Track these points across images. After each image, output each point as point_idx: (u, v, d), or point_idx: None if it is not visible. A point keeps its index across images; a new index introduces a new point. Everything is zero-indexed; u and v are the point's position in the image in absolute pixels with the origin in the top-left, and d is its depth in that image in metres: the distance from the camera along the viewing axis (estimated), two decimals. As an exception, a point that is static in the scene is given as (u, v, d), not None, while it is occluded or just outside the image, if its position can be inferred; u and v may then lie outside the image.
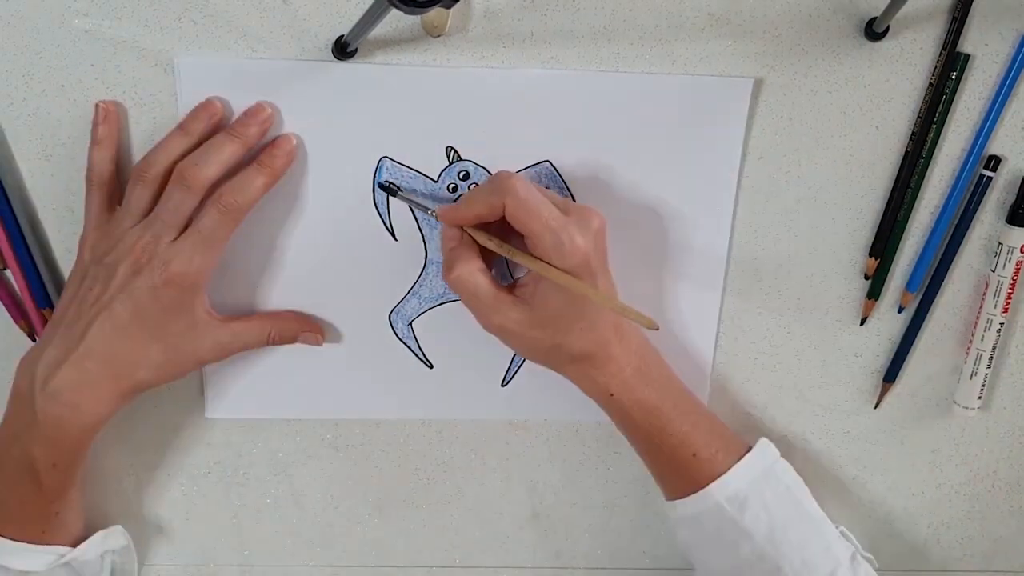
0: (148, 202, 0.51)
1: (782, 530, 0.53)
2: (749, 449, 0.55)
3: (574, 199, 0.56)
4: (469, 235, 0.52)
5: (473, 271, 0.51)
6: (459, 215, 0.52)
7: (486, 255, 0.53)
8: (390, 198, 0.55)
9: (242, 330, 0.54)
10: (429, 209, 0.54)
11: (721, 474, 0.54)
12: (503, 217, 0.50)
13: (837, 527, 0.56)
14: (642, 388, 0.54)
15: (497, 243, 0.51)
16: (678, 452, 0.54)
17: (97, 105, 0.52)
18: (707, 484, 0.53)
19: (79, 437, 0.51)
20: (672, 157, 0.55)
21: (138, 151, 0.53)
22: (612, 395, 0.53)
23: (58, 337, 0.50)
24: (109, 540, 0.58)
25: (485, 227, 0.52)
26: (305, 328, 0.56)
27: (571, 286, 0.49)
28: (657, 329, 0.49)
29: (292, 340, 0.56)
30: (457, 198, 0.55)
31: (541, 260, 0.49)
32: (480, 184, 0.54)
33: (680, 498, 0.55)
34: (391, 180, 0.54)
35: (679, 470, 0.55)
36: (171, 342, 0.51)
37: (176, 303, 0.50)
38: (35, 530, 0.53)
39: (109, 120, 0.52)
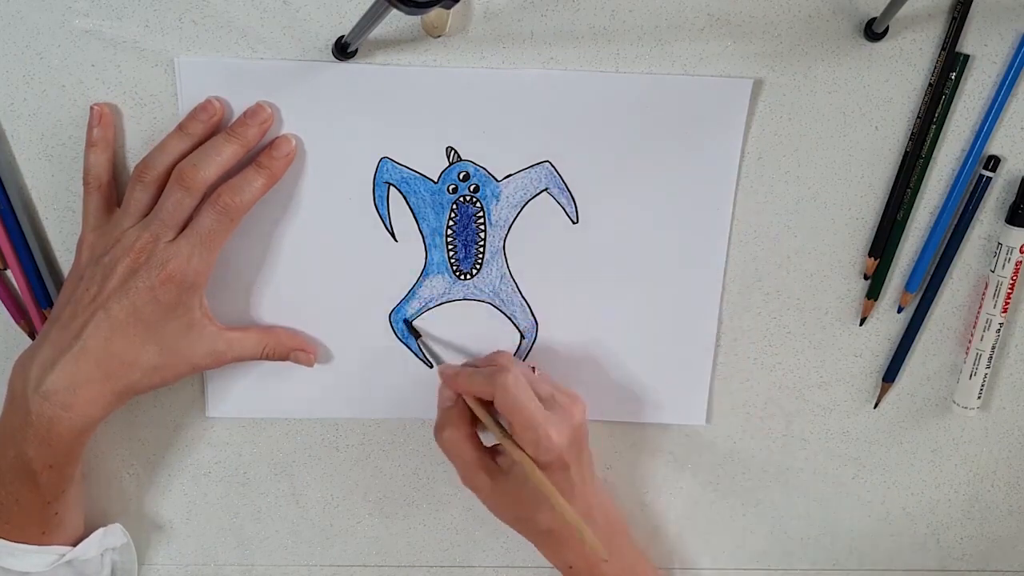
0: (147, 203, 0.51)
1: None
2: None
3: (574, 200, 0.56)
4: (463, 402, 0.55)
5: (461, 437, 0.55)
6: (457, 384, 0.55)
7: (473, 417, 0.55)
8: (390, 198, 0.55)
9: (238, 341, 0.54)
10: (430, 364, 0.58)
11: None
12: None
13: None
14: (601, 565, 0.56)
15: (490, 423, 0.54)
16: None
17: (92, 107, 0.52)
18: None
19: (73, 438, 0.51)
20: (672, 157, 0.55)
21: (138, 151, 0.53)
22: (571, 567, 0.56)
23: (53, 337, 0.50)
24: (108, 538, 0.58)
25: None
26: (299, 347, 0.56)
27: (542, 487, 0.52)
28: (606, 561, 0.53)
29: (285, 357, 0.56)
30: (457, 198, 0.56)
31: (523, 452, 0.52)
32: (481, 362, 0.57)
33: None
34: (415, 324, 0.58)
35: None
36: (167, 344, 0.51)
37: (173, 303, 0.50)
38: (35, 531, 0.53)
39: (104, 122, 0.52)
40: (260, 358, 0.55)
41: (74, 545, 0.55)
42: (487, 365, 0.56)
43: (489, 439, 0.55)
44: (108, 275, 0.50)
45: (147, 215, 0.50)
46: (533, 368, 0.57)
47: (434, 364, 0.58)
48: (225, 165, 0.50)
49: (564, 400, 0.54)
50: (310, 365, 0.57)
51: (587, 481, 0.55)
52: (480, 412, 0.54)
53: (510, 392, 0.52)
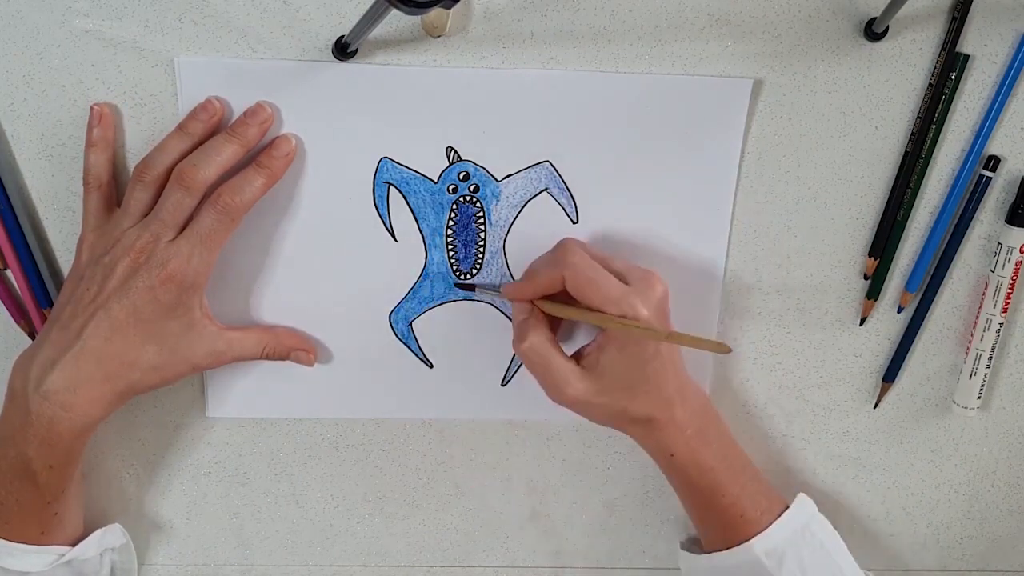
0: (147, 203, 0.51)
1: None
2: (787, 507, 0.57)
3: (574, 200, 0.56)
4: (538, 307, 0.53)
5: (544, 342, 0.52)
6: (524, 290, 0.53)
7: (553, 326, 0.54)
8: (390, 198, 0.55)
9: (238, 340, 0.54)
10: (497, 291, 0.56)
11: (761, 530, 0.55)
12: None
13: None
14: (701, 449, 0.55)
15: (567, 309, 0.52)
16: (728, 512, 0.56)
17: (92, 107, 0.52)
18: (748, 539, 0.55)
19: (72, 438, 0.51)
20: (672, 157, 0.55)
21: (138, 151, 0.53)
22: (672, 455, 0.55)
23: (53, 337, 0.50)
24: (108, 538, 0.58)
25: (552, 296, 0.53)
26: (299, 346, 0.56)
27: (648, 335, 0.49)
28: (729, 351, 0.49)
29: (285, 357, 0.56)
30: (457, 199, 0.56)
31: (615, 317, 0.50)
32: (542, 255, 0.55)
33: (719, 550, 0.56)
34: (471, 280, 0.57)
35: (725, 528, 0.56)
36: (167, 343, 0.51)
37: (173, 303, 0.50)
38: (34, 531, 0.53)
39: (104, 122, 0.52)
40: (260, 358, 0.55)
41: (73, 545, 0.55)
42: (546, 257, 0.54)
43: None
44: (108, 275, 0.50)
45: (147, 215, 0.50)
46: (602, 250, 0.55)
47: (498, 290, 0.56)
48: (225, 165, 0.50)
49: (640, 274, 0.52)
50: (310, 365, 0.57)
51: (677, 363, 0.54)
52: (556, 308, 0.52)
53: (580, 270, 0.50)
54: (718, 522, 0.56)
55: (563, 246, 0.53)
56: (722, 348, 0.48)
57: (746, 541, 0.55)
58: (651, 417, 0.54)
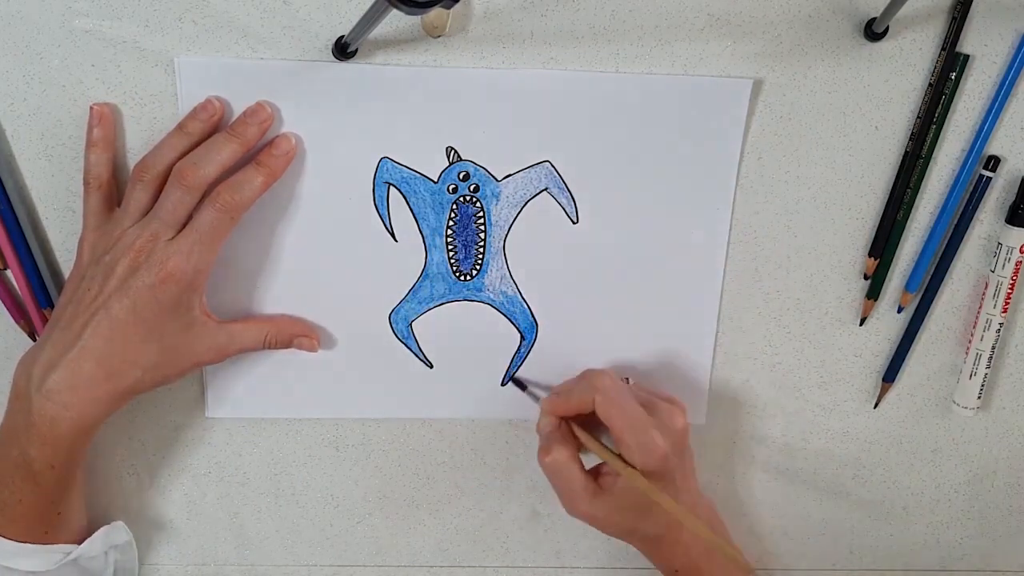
0: (147, 202, 0.51)
1: None
2: None
3: (574, 200, 0.56)
4: (567, 426, 0.55)
5: (568, 460, 0.54)
6: (557, 406, 0.55)
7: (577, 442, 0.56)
8: (390, 198, 0.55)
9: (239, 332, 0.54)
10: (537, 399, 0.58)
11: None
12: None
13: None
14: (706, 566, 0.56)
15: (593, 442, 0.54)
16: None
17: (92, 107, 0.52)
18: None
19: (74, 438, 0.51)
20: (671, 157, 0.55)
21: (138, 151, 0.53)
22: (677, 571, 0.57)
23: (54, 337, 0.50)
24: (112, 535, 0.58)
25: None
26: (301, 333, 0.56)
27: (654, 497, 0.51)
28: (752, 573, 0.54)
29: (288, 344, 0.56)
30: (457, 199, 0.56)
31: (628, 466, 0.52)
32: (573, 379, 0.57)
33: None
34: (521, 378, 0.60)
35: None
36: (168, 342, 0.51)
37: (174, 302, 0.50)
38: (39, 531, 0.53)
39: (104, 122, 0.52)
40: (263, 347, 0.55)
41: (78, 543, 0.55)
42: (579, 380, 0.56)
43: (589, 461, 0.55)
44: (109, 275, 0.50)
45: (147, 213, 0.50)
46: (627, 379, 0.58)
47: (535, 400, 0.58)
48: (225, 164, 0.50)
49: (664, 406, 0.54)
50: (313, 350, 0.57)
51: (691, 489, 0.56)
52: (582, 434, 0.54)
53: (611, 396, 0.52)
54: None
55: (595, 372, 0.55)
56: (738, 559, 0.52)
57: None
58: (660, 537, 0.56)
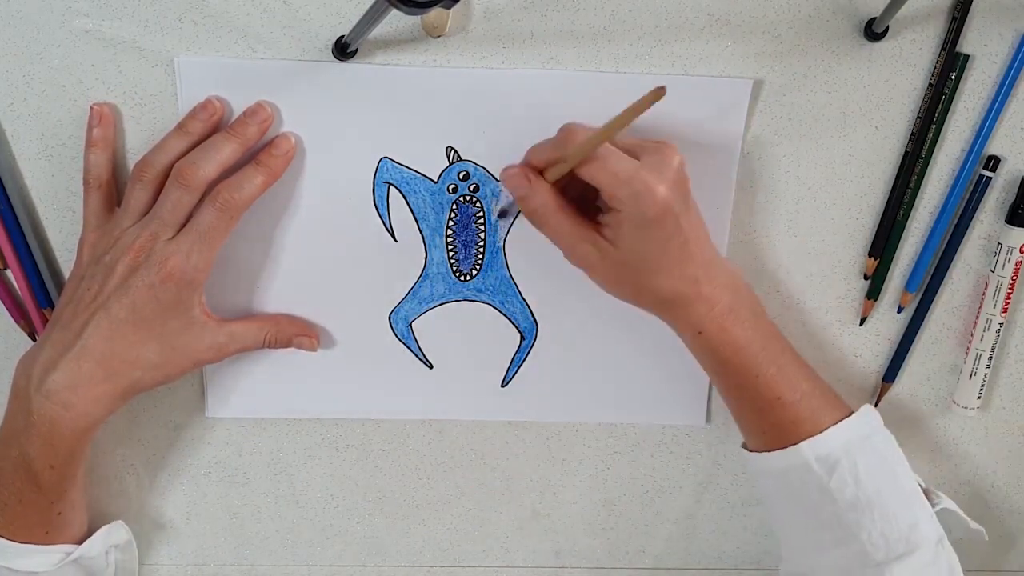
0: (147, 202, 0.51)
1: (867, 500, 0.51)
2: (850, 412, 0.53)
3: (574, 199, 0.56)
4: (540, 176, 0.50)
5: (551, 205, 0.49)
6: (532, 159, 0.50)
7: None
8: (390, 198, 0.55)
9: (239, 331, 0.54)
10: (497, 179, 0.53)
11: (812, 429, 0.52)
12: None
13: (937, 505, 0.53)
14: (731, 327, 0.52)
15: (561, 162, 0.48)
16: (762, 394, 0.52)
17: (92, 107, 0.52)
18: (799, 440, 0.52)
19: (74, 438, 0.51)
20: (672, 157, 0.55)
21: (138, 151, 0.53)
22: (700, 333, 0.52)
23: (54, 337, 0.50)
24: (112, 535, 0.58)
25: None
26: (301, 332, 0.56)
27: (612, 125, 0.46)
28: (663, 93, 0.45)
29: (287, 344, 0.56)
30: (457, 198, 0.56)
31: (615, 120, 0.46)
32: (545, 139, 0.51)
33: (767, 451, 0.54)
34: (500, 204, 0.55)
35: (762, 414, 0.53)
36: (168, 341, 0.51)
37: (173, 301, 0.50)
38: (39, 531, 0.53)
39: (104, 122, 0.52)
40: (263, 347, 0.55)
41: (79, 544, 0.55)
42: (552, 138, 0.50)
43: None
44: (108, 274, 0.50)
45: (147, 213, 0.50)
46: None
47: (501, 214, 0.54)
48: (224, 163, 0.50)
49: (652, 144, 0.49)
50: (313, 350, 0.57)
51: (702, 239, 0.51)
52: (556, 169, 0.48)
53: (587, 147, 0.47)
54: (753, 407, 0.53)
55: (567, 127, 0.49)
56: (657, 94, 0.45)
57: (797, 443, 0.52)
58: (676, 294, 0.51)
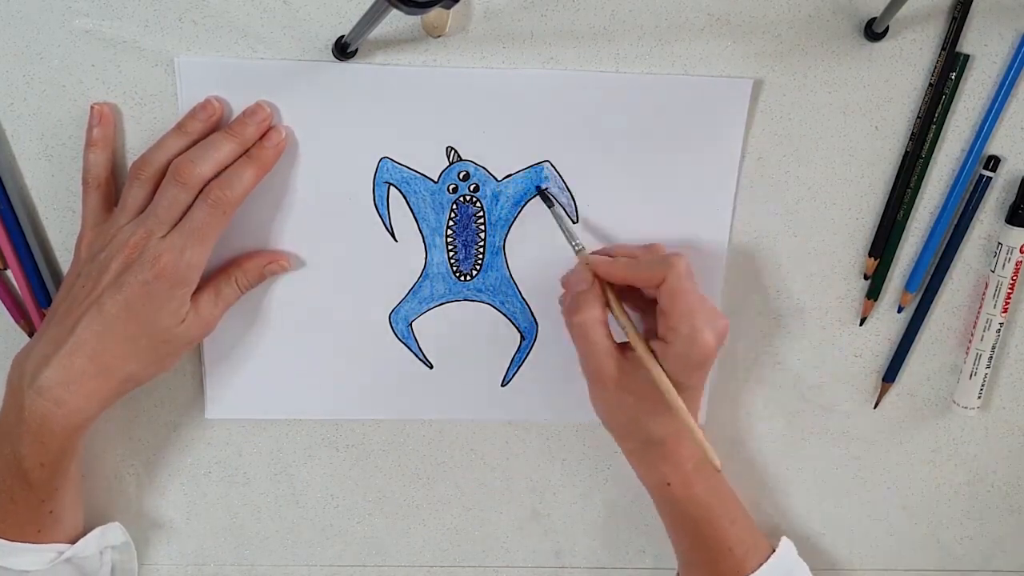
0: (143, 200, 0.51)
1: None
2: (772, 550, 0.58)
3: (574, 200, 0.56)
4: (600, 286, 0.53)
5: (596, 320, 0.52)
6: (612, 270, 0.52)
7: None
8: (390, 198, 0.55)
9: (212, 297, 0.53)
10: (576, 242, 0.54)
11: (746, 573, 0.56)
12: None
13: None
14: (697, 483, 0.55)
15: (621, 311, 0.52)
16: (717, 546, 0.56)
17: (92, 107, 0.52)
18: None
19: (65, 435, 0.51)
20: (672, 157, 0.55)
21: (138, 151, 0.53)
22: (668, 484, 0.55)
23: (48, 333, 0.50)
24: (107, 536, 0.58)
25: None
26: (267, 261, 0.55)
27: (662, 386, 0.50)
28: (719, 471, 0.51)
29: (261, 278, 0.55)
30: (457, 198, 0.56)
31: (650, 350, 0.51)
32: (637, 247, 0.55)
33: None
34: (549, 190, 0.55)
35: (712, 563, 0.57)
36: (160, 336, 0.51)
37: (166, 298, 0.50)
38: (31, 530, 0.53)
39: (104, 122, 0.52)
40: (242, 292, 0.54)
41: (73, 543, 0.55)
42: (649, 253, 0.54)
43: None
44: (103, 271, 0.50)
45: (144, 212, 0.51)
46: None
47: (576, 251, 0.55)
48: (222, 163, 0.50)
49: (711, 306, 0.52)
50: (286, 270, 0.55)
51: (700, 403, 0.55)
52: (617, 303, 0.52)
53: (683, 278, 0.50)
54: (705, 556, 0.57)
55: (673, 253, 0.52)
56: (714, 460, 0.50)
57: None
58: (662, 441, 0.54)
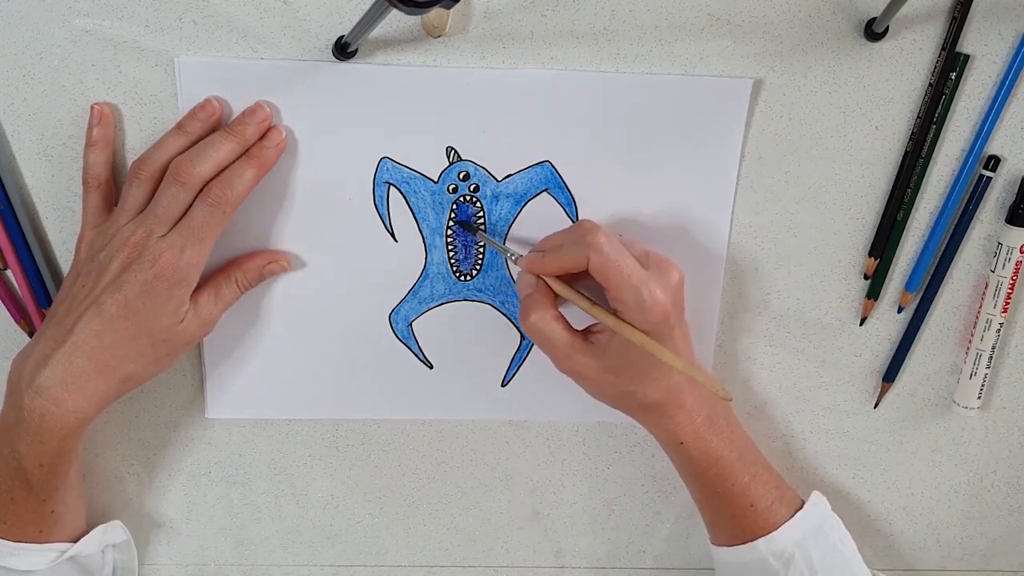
0: (143, 199, 0.51)
1: None
2: (802, 504, 0.57)
3: (574, 200, 0.56)
4: (545, 283, 0.53)
5: (548, 319, 0.52)
6: (543, 266, 0.52)
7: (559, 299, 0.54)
8: (390, 198, 0.55)
9: (212, 297, 0.53)
10: (510, 253, 0.54)
11: (772, 528, 0.55)
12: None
13: None
14: (711, 437, 0.55)
15: (574, 295, 0.52)
16: (737, 501, 0.55)
17: (92, 107, 0.52)
18: (757, 537, 0.55)
19: (63, 435, 0.51)
20: (672, 157, 0.55)
21: (138, 151, 0.53)
22: (682, 443, 0.55)
23: (48, 333, 0.50)
24: (109, 534, 0.58)
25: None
26: (267, 261, 0.55)
27: (646, 346, 0.50)
28: (730, 400, 0.50)
29: (260, 278, 0.55)
30: (457, 198, 0.56)
31: (616, 316, 0.50)
32: (562, 233, 0.54)
33: (728, 545, 0.57)
34: (466, 219, 0.55)
35: (734, 519, 0.56)
36: (159, 335, 0.51)
37: (165, 298, 0.50)
38: (32, 530, 0.53)
39: (104, 122, 0.52)
40: (242, 292, 0.54)
41: (75, 542, 0.55)
42: (569, 236, 0.53)
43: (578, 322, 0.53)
44: (103, 271, 0.50)
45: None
46: (619, 235, 0.55)
47: (512, 260, 0.55)
48: (222, 162, 0.50)
49: (658, 260, 0.52)
50: (286, 270, 0.56)
51: (689, 352, 0.55)
52: (565, 290, 0.52)
53: (605, 252, 0.49)
54: (726, 513, 0.56)
55: (587, 228, 0.51)
56: (724, 395, 0.49)
57: (754, 538, 0.55)
58: (660, 403, 0.53)
